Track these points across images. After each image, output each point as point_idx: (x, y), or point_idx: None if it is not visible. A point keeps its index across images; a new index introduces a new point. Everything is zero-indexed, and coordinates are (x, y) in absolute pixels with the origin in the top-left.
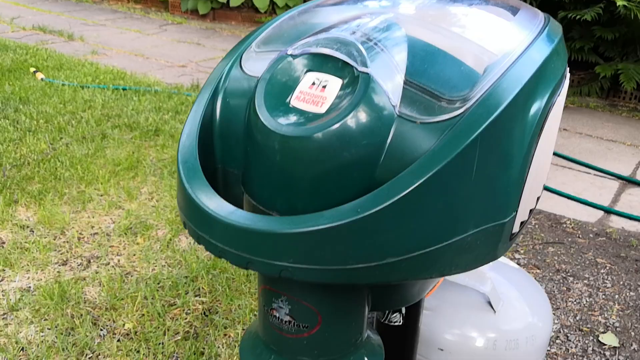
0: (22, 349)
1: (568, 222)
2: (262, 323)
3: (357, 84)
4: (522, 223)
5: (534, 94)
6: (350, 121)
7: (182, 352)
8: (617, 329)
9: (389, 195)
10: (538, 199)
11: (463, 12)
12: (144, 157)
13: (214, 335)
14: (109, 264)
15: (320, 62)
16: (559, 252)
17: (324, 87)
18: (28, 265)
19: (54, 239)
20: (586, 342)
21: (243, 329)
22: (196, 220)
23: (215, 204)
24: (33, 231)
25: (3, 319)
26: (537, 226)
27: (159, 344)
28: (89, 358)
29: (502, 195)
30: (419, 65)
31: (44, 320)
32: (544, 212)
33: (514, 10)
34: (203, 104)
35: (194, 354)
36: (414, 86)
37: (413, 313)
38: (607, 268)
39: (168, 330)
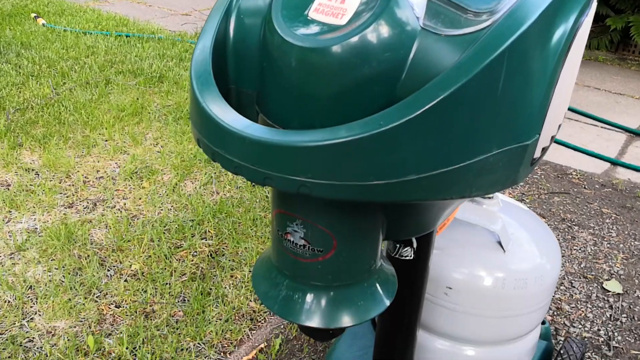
0: (30, 287)
1: (574, 173)
2: (275, 248)
3: None
4: (543, 149)
5: (562, 10)
6: (372, 33)
7: (189, 292)
8: (621, 276)
9: (413, 109)
10: (559, 126)
11: None
12: (148, 103)
13: (221, 277)
14: (114, 207)
15: None
16: (564, 202)
17: None
18: (34, 207)
19: (60, 182)
20: (590, 288)
21: (249, 271)
22: (211, 135)
23: (230, 117)
24: (38, 174)
25: (10, 258)
26: (542, 176)
27: (166, 284)
28: (97, 297)
29: (527, 115)
30: None
31: (51, 260)
32: (550, 162)
33: None
34: (216, 22)
35: (201, 294)
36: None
37: (424, 248)
38: (613, 218)
39: (175, 271)
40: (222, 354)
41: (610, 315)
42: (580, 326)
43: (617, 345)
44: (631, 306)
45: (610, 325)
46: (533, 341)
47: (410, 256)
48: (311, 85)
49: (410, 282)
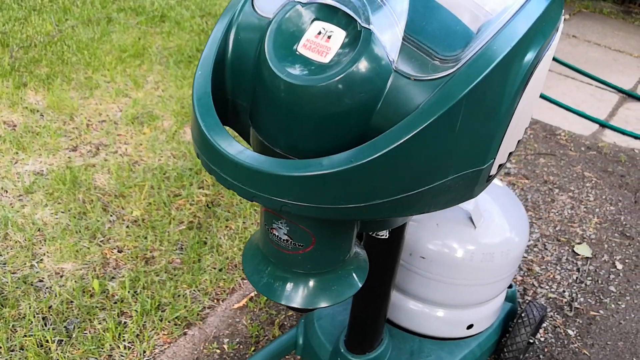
0: (39, 229)
1: (563, 133)
2: (262, 238)
3: (360, 38)
4: (500, 165)
5: (522, 54)
6: (351, 74)
7: (186, 240)
8: (593, 240)
9: (378, 148)
10: (519, 142)
11: None
12: (150, 44)
13: (216, 227)
14: (116, 152)
15: (327, 13)
16: (549, 164)
17: (329, 37)
18: (40, 149)
19: (64, 124)
20: (562, 251)
21: (244, 222)
22: (209, 156)
23: (226, 143)
24: (43, 115)
25: (19, 200)
26: (531, 136)
27: (165, 232)
28: (101, 241)
29: (482, 145)
30: (418, 21)
31: (57, 203)
32: (540, 122)
33: None
34: (218, 37)
35: (197, 243)
36: (412, 43)
37: (398, 229)
38: (593, 182)
39: (173, 219)
40: (215, 300)
41: (577, 277)
42: (547, 287)
43: (578, 306)
44: (597, 270)
45: (575, 288)
46: (498, 304)
47: (385, 236)
48: (296, 114)
49: (385, 255)
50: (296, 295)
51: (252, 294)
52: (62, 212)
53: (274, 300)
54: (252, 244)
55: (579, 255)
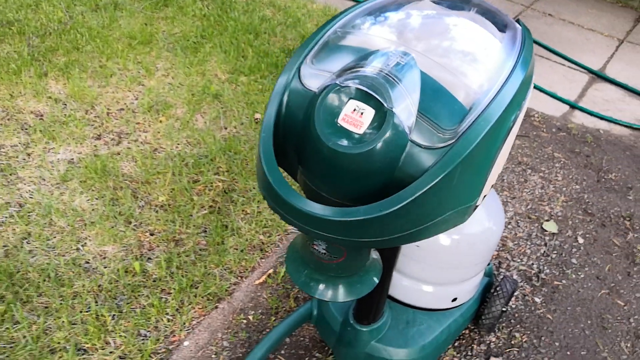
0: (79, 215)
1: (536, 115)
2: (303, 247)
3: (385, 117)
4: (484, 195)
5: (503, 123)
6: (379, 145)
7: (209, 223)
8: (559, 218)
9: (400, 201)
10: (498, 174)
11: (462, 36)
12: (156, 30)
13: (234, 211)
14: (137, 140)
15: (360, 94)
16: (523, 145)
17: (362, 113)
18: (68, 138)
19: (86, 114)
20: (532, 228)
21: (258, 207)
22: (274, 201)
23: (288, 191)
24: (66, 105)
25: (57, 188)
26: None
27: (189, 216)
28: (134, 226)
29: (472, 188)
30: (427, 102)
31: (92, 191)
32: None
33: (502, 32)
34: (275, 103)
35: (219, 227)
36: (422, 118)
37: None
38: (562, 162)
39: (195, 204)
40: (239, 277)
41: (544, 251)
42: (518, 261)
43: (544, 277)
44: (561, 244)
45: (542, 260)
46: (477, 280)
47: None
48: (338, 171)
49: (391, 251)
50: (327, 292)
51: (270, 271)
52: (97, 199)
53: (309, 294)
54: (294, 249)
55: (546, 231)
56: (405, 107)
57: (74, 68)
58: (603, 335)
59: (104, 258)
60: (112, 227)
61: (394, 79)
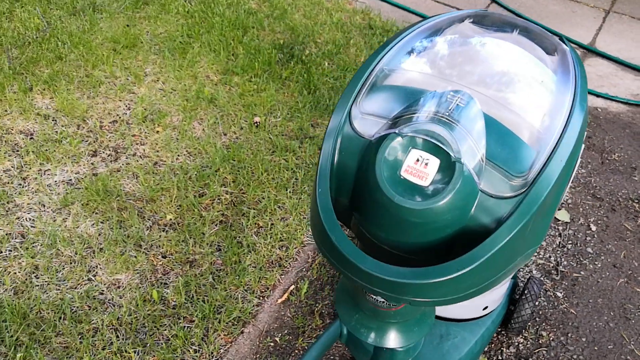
0: (85, 242)
1: None
2: (356, 296)
3: (454, 169)
4: None
5: (572, 163)
6: (449, 199)
7: (222, 241)
8: (570, 205)
9: (474, 260)
10: None
11: (514, 66)
12: (140, 32)
13: (246, 225)
14: (135, 154)
15: (422, 143)
16: None
17: (426, 164)
18: (63, 158)
19: (78, 129)
20: None
21: (270, 219)
22: (337, 259)
23: (351, 249)
24: (56, 120)
25: (59, 213)
26: None
27: (200, 234)
28: (145, 249)
29: (541, 232)
30: (493, 147)
31: (95, 214)
32: None
33: (551, 56)
34: (327, 155)
35: (233, 244)
36: (491, 165)
37: None
38: None
39: (205, 221)
40: (261, 298)
41: (559, 242)
42: (536, 254)
43: (563, 269)
44: (575, 233)
45: (558, 252)
46: (505, 286)
47: None
48: (401, 225)
49: None
50: (383, 337)
51: (292, 288)
52: (102, 223)
53: (363, 340)
54: (343, 291)
55: (559, 220)
56: (472, 154)
57: (60, 80)
58: (627, 326)
59: (119, 287)
60: (122, 253)
61: (456, 124)
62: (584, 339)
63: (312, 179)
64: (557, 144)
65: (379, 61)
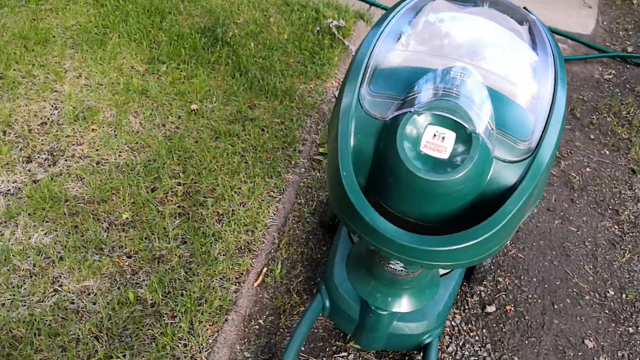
0: (42, 253)
1: None
2: (372, 267)
3: (470, 140)
4: None
5: (564, 123)
6: (469, 167)
7: (187, 233)
8: None
9: (496, 223)
10: None
11: (496, 39)
12: (50, 25)
13: (207, 215)
14: (74, 155)
15: (437, 119)
16: None
17: (443, 138)
18: None
19: (4, 135)
20: None
21: (230, 205)
22: (372, 237)
23: (381, 222)
24: None
25: (5, 226)
26: None
27: (162, 228)
28: (108, 252)
29: (542, 188)
30: (499, 116)
31: (46, 222)
32: None
33: (522, 26)
34: (346, 136)
35: (197, 235)
36: (500, 133)
37: None
38: None
39: (163, 215)
40: (237, 284)
41: None
42: None
43: None
44: None
45: None
46: None
47: None
48: (427, 198)
49: None
50: (400, 302)
51: (265, 270)
52: (55, 230)
53: (382, 310)
54: (355, 262)
55: None
56: (483, 125)
57: None
58: (569, 262)
59: (89, 294)
60: (85, 259)
61: (464, 98)
62: (534, 279)
63: (264, 162)
64: (550, 107)
65: (375, 44)
